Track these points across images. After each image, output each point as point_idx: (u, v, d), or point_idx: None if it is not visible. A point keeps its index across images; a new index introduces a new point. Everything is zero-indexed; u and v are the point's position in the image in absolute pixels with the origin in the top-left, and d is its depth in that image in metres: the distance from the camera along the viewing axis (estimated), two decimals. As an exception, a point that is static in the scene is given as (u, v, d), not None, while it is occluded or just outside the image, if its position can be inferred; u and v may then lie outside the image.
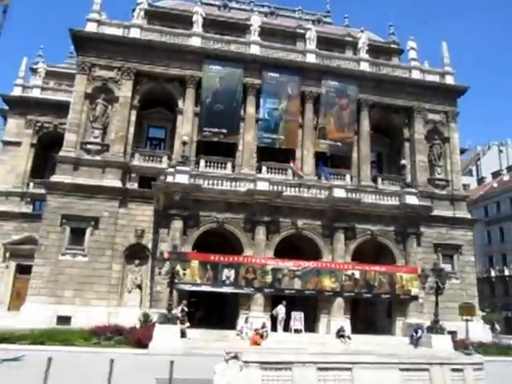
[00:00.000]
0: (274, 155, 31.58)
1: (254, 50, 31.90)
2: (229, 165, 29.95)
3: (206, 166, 29.51)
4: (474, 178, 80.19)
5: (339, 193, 24.85)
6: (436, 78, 35.13)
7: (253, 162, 30.58)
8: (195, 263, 22.22)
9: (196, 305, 25.77)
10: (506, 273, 58.54)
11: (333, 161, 33.31)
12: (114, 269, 25.59)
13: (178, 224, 22.77)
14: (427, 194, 32.11)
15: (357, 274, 24.24)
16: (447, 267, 31.14)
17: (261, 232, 24.14)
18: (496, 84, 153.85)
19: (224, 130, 30.46)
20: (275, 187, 24.89)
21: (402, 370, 12.25)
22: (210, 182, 24.42)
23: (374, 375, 11.98)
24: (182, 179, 23.04)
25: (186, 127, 29.88)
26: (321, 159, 32.32)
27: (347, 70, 32.85)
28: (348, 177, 31.43)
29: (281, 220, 24.77)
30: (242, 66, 31.13)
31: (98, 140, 28.28)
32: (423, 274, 22.37)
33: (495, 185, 66.77)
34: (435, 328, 21.59)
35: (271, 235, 24.51)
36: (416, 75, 34.48)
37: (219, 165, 29.83)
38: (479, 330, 28.69)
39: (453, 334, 28.04)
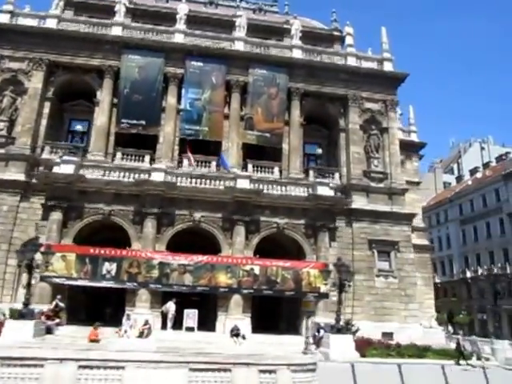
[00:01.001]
0: (203, 147, 30.12)
1: (178, 38, 30.58)
2: (147, 157, 28.51)
3: (122, 159, 28.17)
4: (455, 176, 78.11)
5: (242, 184, 23.24)
6: (374, 65, 33.50)
7: (174, 154, 29.14)
8: (72, 256, 20.82)
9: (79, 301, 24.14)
10: (480, 273, 56.29)
11: (264, 153, 31.71)
12: (10, 264, 24.16)
13: (56, 216, 21.42)
14: (361, 188, 30.45)
15: (256, 270, 22.56)
16: (384, 265, 29.56)
17: (149, 225, 22.65)
18: (479, 81, 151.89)
19: (143, 122, 29.07)
20: (171, 178, 23.35)
21: (192, 370, 10.77)
22: (101, 172, 22.97)
23: (150, 374, 10.46)
24: (67, 169, 21.65)
25: (101, 118, 28.57)
26: (251, 151, 30.81)
27: (277, 58, 31.38)
28: (276, 169, 29.79)
29: (176, 212, 23.26)
30: (164, 55, 29.80)
31: (3, 133, 27.00)
32: (325, 270, 20.68)
33: (470, 182, 64.70)
34: (336, 327, 19.80)
35: (164, 228, 23.01)
36: (352, 62, 32.88)
37: (137, 157, 28.43)
38: (417, 332, 26.89)
39: (388, 335, 26.36)
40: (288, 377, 11.53)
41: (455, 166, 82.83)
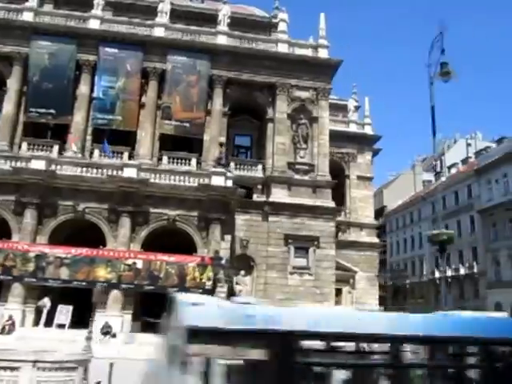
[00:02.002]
0: (120, 138, 28.80)
1: (94, 24, 29.33)
2: (56, 147, 27.38)
3: (28, 150, 27.07)
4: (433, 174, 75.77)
5: (129, 173, 21.88)
6: (308, 52, 31.88)
7: (86, 144, 27.93)
8: None
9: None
10: (449, 274, 54.11)
11: (188, 143, 30.28)
12: None
13: None
14: (283, 180, 28.96)
15: (139, 264, 21.21)
16: (300, 262, 28.04)
17: (28, 215, 21.46)
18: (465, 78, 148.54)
19: (53, 111, 27.93)
20: (54, 166, 22.10)
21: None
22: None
23: None
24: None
25: (7, 107, 27.51)
26: (171, 141, 29.46)
27: (197, 44, 29.95)
28: (194, 161, 28.41)
29: (60, 203, 22.02)
30: (77, 42, 28.58)
31: None
32: (201, 264, 19.24)
33: (443, 179, 62.42)
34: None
35: (46, 220, 21.77)
36: (283, 49, 31.32)
37: (45, 148, 27.31)
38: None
39: None
40: (31, 375, 10.21)
41: (438, 164, 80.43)
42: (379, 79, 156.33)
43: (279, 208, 28.26)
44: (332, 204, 29.33)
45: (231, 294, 27.24)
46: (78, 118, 27.91)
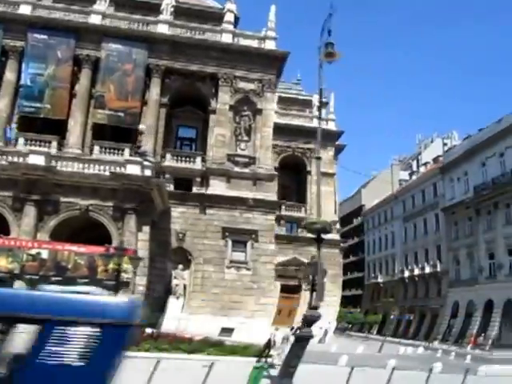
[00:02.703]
0: (50, 127, 27.49)
1: (24, 10, 28.07)
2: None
3: None
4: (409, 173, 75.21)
5: (34, 160, 20.62)
6: (254, 44, 30.84)
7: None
8: None
9: None
10: (416, 272, 53.29)
11: (126, 134, 29.00)
12: None
13: None
14: (222, 172, 27.88)
15: (44, 254, 19.97)
16: (238, 256, 26.97)
17: None
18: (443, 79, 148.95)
19: (-25, 98, 26.62)
20: None
21: None
22: None
23: None
24: None
25: None
26: (110, 131, 28.25)
27: (134, 32, 28.80)
28: (127, 150, 27.11)
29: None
30: (3, 27, 27.32)
31: None
32: (105, 255, 18.05)
33: (414, 177, 61.77)
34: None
35: None
36: (227, 39, 30.27)
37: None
38: (263, 327, 24.16)
39: (228, 331, 23.77)
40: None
41: (414, 163, 79.88)
42: (359, 76, 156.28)
43: (217, 201, 27.20)
44: (273, 197, 28.29)
45: (168, 288, 26.18)
46: (1, 105, 26.60)
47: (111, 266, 19.65)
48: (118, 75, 28.08)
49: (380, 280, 62.33)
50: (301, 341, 10.30)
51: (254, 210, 27.33)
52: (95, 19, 28.73)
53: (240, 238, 26.67)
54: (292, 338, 18.83)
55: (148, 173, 21.38)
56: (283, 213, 39.85)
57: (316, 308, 10.85)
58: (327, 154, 42.52)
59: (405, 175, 76.95)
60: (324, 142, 42.79)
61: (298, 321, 38.04)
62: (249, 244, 26.73)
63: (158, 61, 28.82)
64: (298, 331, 21.55)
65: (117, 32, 28.51)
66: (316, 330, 32.80)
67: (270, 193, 28.14)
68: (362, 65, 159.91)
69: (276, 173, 29.65)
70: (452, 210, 47.82)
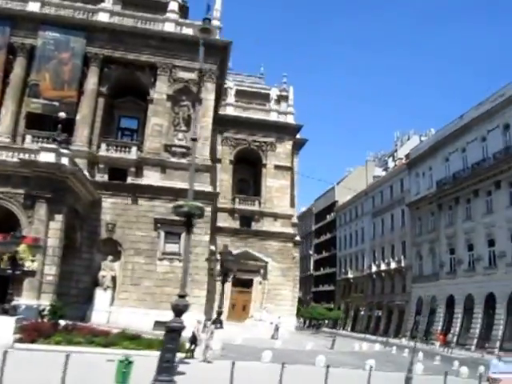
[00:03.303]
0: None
1: (-46, -4, 27.74)
2: None
3: None
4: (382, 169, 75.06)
5: None
6: (197, 33, 30.44)
7: None
8: None
9: None
10: (382, 268, 53.10)
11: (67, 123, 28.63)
12: None
13: None
14: (156, 162, 27.67)
15: None
16: (172, 247, 26.73)
17: None
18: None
19: None
20: None
21: None
22: None
23: None
24: None
25: None
26: (48, 121, 27.88)
27: (72, 20, 28.45)
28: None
29: None
30: None
31: None
32: (34, 245, 17.71)
33: (383, 173, 61.57)
34: (2, 308, 16.90)
35: None
36: (170, 28, 29.96)
37: None
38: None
39: (162, 324, 23.48)
40: None
41: (390, 160, 79.67)
42: (345, 73, 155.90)
43: (151, 191, 27.01)
44: (209, 188, 28.01)
45: (95, 280, 25.76)
46: None
47: (49, 257, 19.32)
48: (54, 64, 27.77)
49: (350, 276, 62.20)
50: (171, 332, 9.70)
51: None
52: (33, 7, 28.39)
53: (173, 229, 26.32)
54: (214, 331, 18.55)
55: (65, 161, 21.04)
56: (237, 206, 39.69)
57: (183, 297, 10.27)
58: (284, 147, 42.30)
59: (379, 171, 76.90)
60: (281, 135, 42.83)
61: (252, 315, 38.04)
62: (183, 235, 26.41)
63: (97, 49, 28.51)
64: (215, 324, 21.26)
65: (54, 20, 28.20)
66: (267, 325, 32.94)
67: (207, 184, 27.86)
68: (349, 63, 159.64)
69: (213, 164, 29.33)
70: (416, 205, 47.63)
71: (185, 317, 9.98)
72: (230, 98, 43.33)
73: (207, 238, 27.38)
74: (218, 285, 28.28)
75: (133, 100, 30.73)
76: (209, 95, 29.57)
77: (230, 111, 42.56)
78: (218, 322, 22.60)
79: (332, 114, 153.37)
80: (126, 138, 30.93)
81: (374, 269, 55.16)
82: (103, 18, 29.20)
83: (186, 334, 13.44)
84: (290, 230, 40.09)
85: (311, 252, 79.79)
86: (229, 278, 29.25)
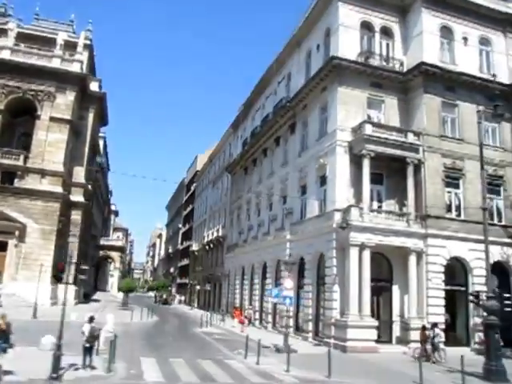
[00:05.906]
0: None
1: None
2: None
3: None
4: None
5: None
6: None
7: None
8: None
9: None
10: (209, 238, 49.81)
11: None
12: None
13: None
14: None
15: None
16: None
17: None
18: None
19: None
20: None
21: None
22: None
23: None
24: None
25: None
26: None
27: None
28: None
29: None
30: None
31: None
32: None
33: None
34: None
35: None
36: None
37: None
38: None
39: None
40: None
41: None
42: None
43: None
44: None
45: None
46: None
47: None
48: None
49: (195, 248, 58.91)
50: None
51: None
52: None
53: None
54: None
55: None
56: None
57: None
58: (66, 98, 37.43)
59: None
60: (63, 84, 37.95)
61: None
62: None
63: None
64: None
65: None
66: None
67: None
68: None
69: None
70: (232, 169, 44.45)
71: None
72: (9, 41, 37.79)
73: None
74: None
75: None
76: None
77: (5, 55, 37.05)
78: None
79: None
80: None
81: (205, 240, 51.96)
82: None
83: None
84: (58, 189, 35.36)
85: (180, 225, 76.08)
86: None
